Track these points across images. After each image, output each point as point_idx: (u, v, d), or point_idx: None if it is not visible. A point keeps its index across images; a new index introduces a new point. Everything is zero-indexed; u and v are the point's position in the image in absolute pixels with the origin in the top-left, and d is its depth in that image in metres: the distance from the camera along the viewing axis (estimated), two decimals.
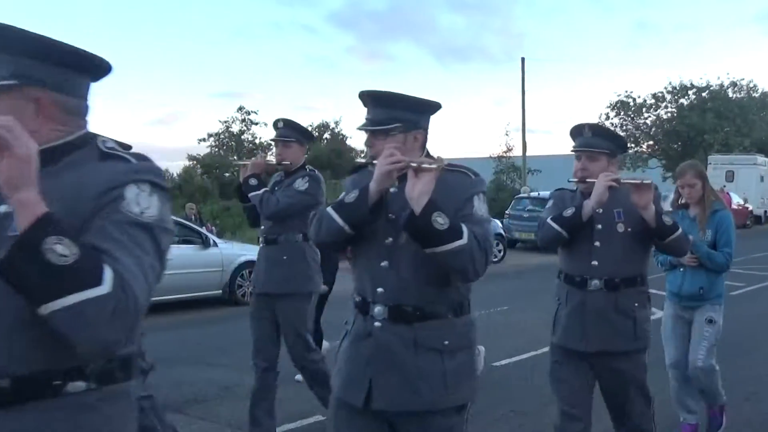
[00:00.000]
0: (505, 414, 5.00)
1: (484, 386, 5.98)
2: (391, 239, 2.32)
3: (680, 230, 3.33)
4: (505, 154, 30.45)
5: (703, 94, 35.76)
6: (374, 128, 2.38)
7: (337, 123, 43.72)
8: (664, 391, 4.46)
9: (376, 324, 2.34)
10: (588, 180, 3.35)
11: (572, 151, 3.49)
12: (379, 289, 2.34)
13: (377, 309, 2.34)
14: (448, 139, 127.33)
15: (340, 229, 2.30)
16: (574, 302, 3.43)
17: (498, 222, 17.43)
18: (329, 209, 2.35)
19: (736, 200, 25.83)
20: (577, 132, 3.49)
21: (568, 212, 3.37)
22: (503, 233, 17.01)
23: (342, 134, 43.40)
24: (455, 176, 2.36)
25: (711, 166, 29.04)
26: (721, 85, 36.22)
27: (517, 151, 30.93)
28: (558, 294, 3.58)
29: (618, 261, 3.34)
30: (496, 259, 16.28)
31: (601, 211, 3.32)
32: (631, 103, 37.42)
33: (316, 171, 4.47)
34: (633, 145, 37.74)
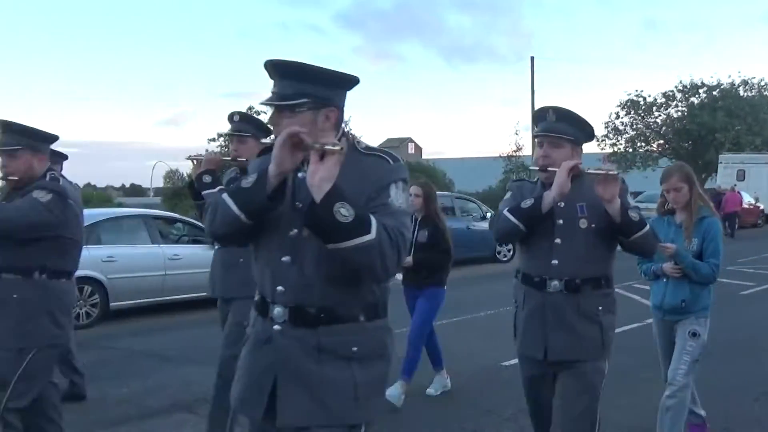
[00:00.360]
0: (514, 414, 4.99)
1: (493, 386, 6.01)
2: (295, 230, 2.06)
3: (647, 227, 3.04)
4: (514, 154, 30.43)
5: (714, 93, 35.54)
6: (278, 103, 2.07)
7: (346, 123, 43.75)
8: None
9: (276, 328, 2.09)
10: (550, 169, 3.05)
11: (534, 136, 3.19)
12: (279, 288, 2.09)
13: (277, 310, 2.09)
14: (458, 139, 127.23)
15: (236, 218, 2.03)
16: (533, 305, 3.16)
17: None
18: (224, 195, 2.09)
19: (747, 199, 25.68)
20: (540, 116, 3.19)
21: (527, 203, 3.07)
22: None
23: (351, 134, 43.34)
24: (371, 161, 2.11)
25: (722, 165, 28.90)
26: (732, 84, 35.99)
27: (527, 151, 30.92)
28: (515, 296, 3.32)
29: (580, 260, 3.06)
30: (505, 259, 16.21)
31: (563, 204, 3.05)
32: (642, 102, 37.23)
33: None
34: (643, 144, 37.61)
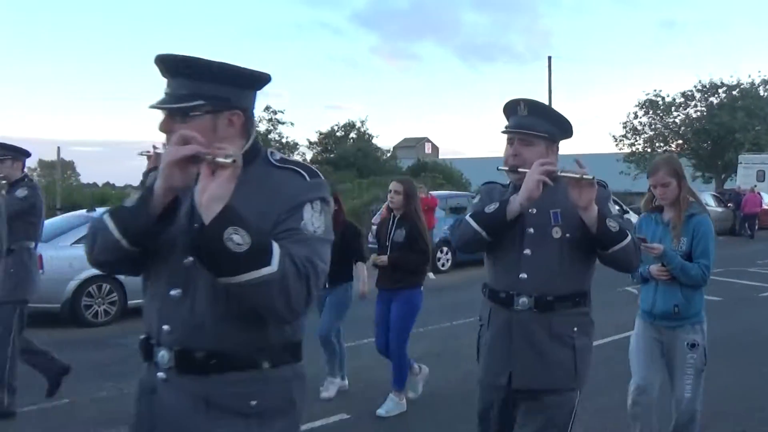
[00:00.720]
0: None
1: None
2: (190, 259, 1.68)
3: (628, 239, 2.63)
4: None
5: (734, 93, 35.21)
6: (168, 106, 1.72)
7: (363, 122, 43.73)
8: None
9: (160, 375, 1.74)
10: (521, 170, 2.69)
11: (503, 132, 2.85)
12: (165, 327, 1.73)
13: (161, 354, 1.73)
14: (475, 139, 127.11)
15: (116, 243, 1.68)
16: (498, 324, 2.80)
17: None
18: (105, 215, 1.74)
19: (767, 200, 25.42)
20: (510, 109, 2.84)
21: (491, 208, 2.72)
22: None
23: (368, 133, 43.41)
24: (284, 176, 1.75)
25: (742, 166, 28.62)
26: (752, 84, 35.63)
27: None
28: (481, 313, 2.97)
29: (552, 274, 2.69)
30: None
31: (534, 211, 2.71)
32: (660, 102, 36.96)
33: None
34: (662, 144, 37.34)
